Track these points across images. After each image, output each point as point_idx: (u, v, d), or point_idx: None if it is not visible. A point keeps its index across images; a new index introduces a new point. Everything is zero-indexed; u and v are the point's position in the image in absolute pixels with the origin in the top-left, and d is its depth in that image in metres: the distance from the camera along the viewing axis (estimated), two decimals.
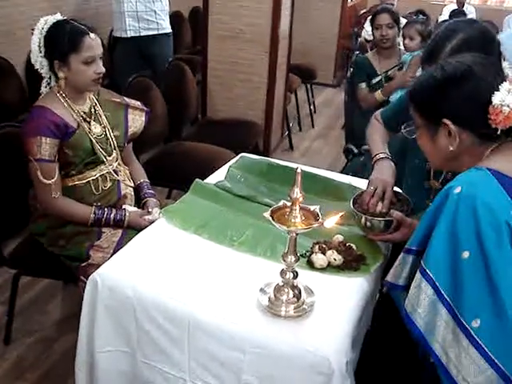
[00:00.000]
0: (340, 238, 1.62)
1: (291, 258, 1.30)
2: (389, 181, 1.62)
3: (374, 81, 3.12)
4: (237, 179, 2.04)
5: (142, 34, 3.72)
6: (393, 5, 5.21)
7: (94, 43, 1.82)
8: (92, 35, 1.81)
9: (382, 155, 1.70)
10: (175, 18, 5.20)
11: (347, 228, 1.69)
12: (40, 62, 1.85)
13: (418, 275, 1.16)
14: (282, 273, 1.33)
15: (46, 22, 1.83)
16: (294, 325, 1.31)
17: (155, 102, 3.03)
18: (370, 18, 3.26)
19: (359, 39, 5.26)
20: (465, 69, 1.18)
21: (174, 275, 1.47)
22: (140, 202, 2.10)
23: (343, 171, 2.70)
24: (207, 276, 1.48)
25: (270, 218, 1.25)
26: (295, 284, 1.35)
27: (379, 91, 3.06)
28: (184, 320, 1.35)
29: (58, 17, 1.86)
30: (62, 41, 1.78)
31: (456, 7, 6.21)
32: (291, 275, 1.33)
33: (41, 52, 1.82)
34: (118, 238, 1.91)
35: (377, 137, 1.82)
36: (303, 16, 5.67)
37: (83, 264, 1.85)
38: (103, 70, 1.86)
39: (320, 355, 1.22)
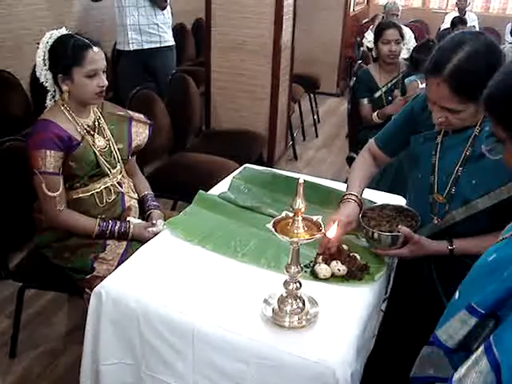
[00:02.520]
0: (344, 247, 1.61)
1: (294, 269, 1.30)
2: (341, 219, 1.58)
3: (376, 95, 3.13)
4: (240, 190, 2.05)
5: (144, 47, 3.75)
6: (397, 15, 5.23)
7: (97, 57, 1.84)
8: (95, 49, 1.83)
9: (348, 197, 1.69)
10: (179, 30, 5.25)
11: (350, 237, 1.69)
12: (45, 75, 1.87)
13: (480, 351, 0.94)
14: (286, 284, 1.33)
15: (50, 36, 1.86)
16: (298, 335, 1.31)
17: (159, 114, 3.05)
18: (374, 30, 3.25)
19: (361, 48, 5.28)
20: None
21: (178, 287, 1.47)
22: (144, 214, 2.11)
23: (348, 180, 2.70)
24: (211, 287, 1.48)
25: (273, 229, 1.26)
26: (299, 295, 1.35)
27: (375, 115, 3.09)
28: (188, 332, 1.35)
29: (63, 31, 1.89)
30: (66, 54, 1.81)
31: (457, 15, 6.22)
32: (295, 286, 1.33)
33: (45, 65, 1.85)
34: (123, 250, 1.92)
35: (356, 175, 1.78)
36: (306, 26, 5.72)
37: (88, 276, 1.86)
38: (106, 83, 1.88)
39: (324, 366, 1.22)
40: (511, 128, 1.05)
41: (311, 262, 1.58)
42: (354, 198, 1.69)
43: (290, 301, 1.34)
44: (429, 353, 1.14)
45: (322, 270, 1.52)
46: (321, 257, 1.57)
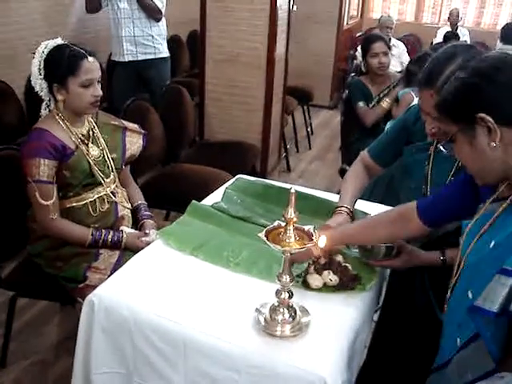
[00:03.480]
0: (337, 258, 1.62)
1: (286, 278, 1.31)
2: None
3: (370, 105, 3.16)
4: (233, 200, 2.06)
5: (139, 59, 3.77)
6: (391, 28, 5.29)
7: (92, 67, 1.85)
8: (90, 59, 1.85)
9: (340, 209, 1.73)
10: (173, 41, 5.27)
11: (342, 247, 1.70)
12: (40, 85, 1.88)
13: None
14: (278, 293, 1.34)
15: (46, 45, 1.87)
16: (289, 345, 1.31)
17: (153, 125, 3.06)
18: (361, 45, 3.29)
19: (355, 61, 5.34)
20: (498, 60, 1.10)
21: (170, 296, 1.47)
22: (137, 223, 2.12)
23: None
24: (203, 296, 1.48)
25: (265, 239, 1.27)
26: (290, 304, 1.36)
27: (386, 99, 3.09)
28: (179, 340, 1.35)
29: (59, 41, 1.90)
30: (61, 64, 1.82)
31: (449, 29, 6.31)
32: (286, 295, 1.34)
33: (40, 75, 1.86)
34: (116, 260, 1.92)
35: (348, 187, 1.82)
36: (300, 39, 5.76)
37: (80, 285, 1.86)
38: (101, 93, 1.89)
39: (316, 375, 1.22)
40: (459, 121, 1.13)
41: (303, 271, 1.59)
42: (345, 209, 1.72)
43: (281, 310, 1.35)
44: (438, 379, 1.18)
45: (314, 279, 1.53)
46: (312, 267, 1.58)
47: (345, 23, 6.42)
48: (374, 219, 1.64)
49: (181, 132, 3.38)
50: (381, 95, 3.17)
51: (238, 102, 3.73)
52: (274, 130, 3.86)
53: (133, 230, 2.04)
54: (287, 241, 1.26)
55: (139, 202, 2.19)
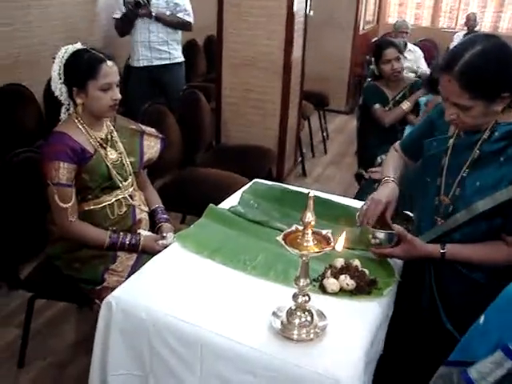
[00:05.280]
0: (357, 262, 1.62)
1: (303, 282, 1.31)
2: (381, 199, 1.68)
3: (386, 107, 3.14)
4: (250, 205, 2.06)
5: (154, 64, 3.82)
6: (407, 33, 5.26)
7: (110, 70, 1.87)
8: (109, 63, 1.87)
9: (386, 179, 1.77)
10: (190, 46, 5.32)
11: (359, 252, 1.70)
12: (59, 89, 1.90)
13: None
14: (295, 296, 1.34)
15: (66, 50, 1.90)
16: (306, 348, 1.31)
17: (170, 129, 3.09)
18: (373, 52, 3.26)
19: (371, 67, 5.32)
20: None
21: (187, 298, 1.48)
22: (154, 226, 2.13)
23: (356, 197, 2.71)
24: (220, 299, 1.49)
25: (283, 242, 1.27)
26: (307, 308, 1.36)
27: (407, 101, 3.07)
28: (196, 343, 1.36)
29: (78, 46, 1.93)
30: (81, 68, 1.85)
31: (467, 34, 6.26)
32: (303, 299, 1.34)
33: (60, 79, 1.88)
34: (133, 262, 1.94)
35: (389, 163, 1.87)
36: (316, 43, 5.76)
37: (98, 287, 1.88)
38: (119, 96, 1.91)
39: (333, 379, 1.22)
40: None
41: (320, 275, 1.58)
42: (391, 179, 1.76)
43: (298, 313, 1.35)
44: (449, 374, 1.15)
45: (331, 284, 1.52)
46: (329, 271, 1.58)
47: (361, 28, 6.41)
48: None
49: (197, 136, 3.40)
50: (396, 98, 3.14)
51: (254, 106, 3.74)
52: (290, 134, 3.86)
53: (150, 233, 2.05)
54: (305, 244, 1.27)
55: (156, 205, 2.20)
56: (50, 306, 2.60)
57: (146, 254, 1.95)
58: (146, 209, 2.15)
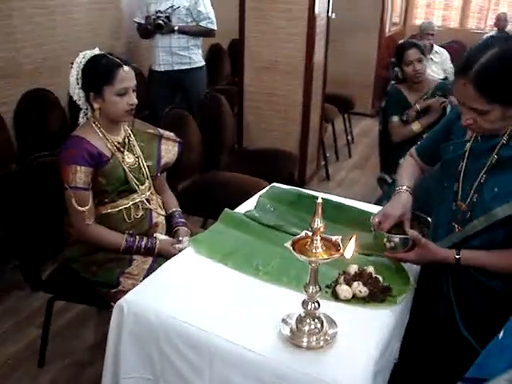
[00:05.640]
0: (371, 268, 1.59)
1: (313, 289, 1.29)
2: (393, 214, 1.64)
3: (406, 115, 3.08)
4: (266, 209, 2.05)
5: (175, 68, 3.86)
6: (433, 35, 5.18)
7: (127, 76, 1.89)
8: (126, 68, 1.88)
9: (400, 189, 1.72)
10: (215, 49, 5.36)
11: (374, 258, 1.67)
12: (77, 94, 1.93)
13: None
14: (304, 303, 1.33)
15: (84, 56, 1.92)
16: (314, 356, 1.30)
17: (191, 133, 3.10)
18: (395, 53, 3.22)
19: (395, 69, 5.25)
20: None
21: (198, 303, 1.48)
22: (171, 230, 2.14)
23: (377, 202, 2.67)
24: (230, 305, 1.48)
25: (291, 248, 1.25)
26: (317, 315, 1.34)
27: (417, 122, 3.02)
28: (205, 348, 1.36)
29: (96, 51, 1.95)
30: (97, 73, 1.87)
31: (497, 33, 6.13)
32: (313, 306, 1.32)
33: (78, 84, 1.91)
34: (148, 266, 1.94)
35: (404, 172, 1.83)
36: (341, 46, 5.73)
37: (113, 290, 1.89)
38: (135, 101, 1.93)
39: None
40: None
41: (333, 282, 1.56)
42: (404, 188, 1.72)
43: (308, 321, 1.33)
44: None
45: (343, 290, 1.50)
46: (342, 277, 1.55)
47: (387, 30, 6.33)
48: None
49: (219, 139, 3.41)
50: (423, 98, 3.08)
51: (276, 109, 3.73)
52: (312, 138, 3.84)
53: (166, 237, 2.06)
54: (314, 251, 1.25)
55: (174, 208, 2.21)
56: (70, 308, 2.64)
57: (161, 257, 1.96)
58: (163, 212, 2.16)
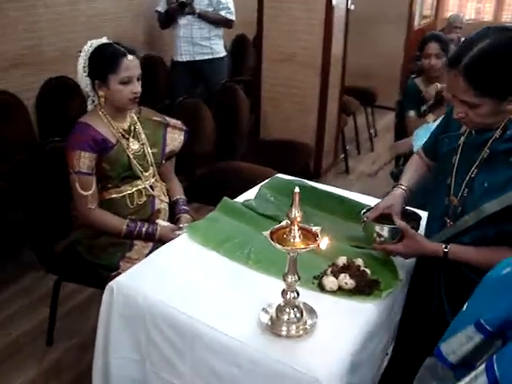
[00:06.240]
0: (360, 261, 1.60)
1: (291, 278, 1.31)
2: (380, 205, 1.68)
3: (423, 108, 3.04)
4: (267, 199, 2.07)
5: (196, 59, 3.90)
6: (461, 28, 5.06)
7: (131, 64, 1.93)
8: (130, 57, 1.92)
9: (396, 186, 1.75)
10: (240, 41, 5.37)
11: (366, 251, 1.67)
12: (84, 81, 1.99)
13: (481, 369, 0.92)
14: (283, 293, 1.34)
15: (91, 44, 1.98)
16: (291, 345, 1.31)
17: (205, 122, 3.14)
18: (418, 44, 3.17)
19: (419, 62, 5.16)
20: None
21: (184, 288, 1.51)
22: (174, 217, 2.17)
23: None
24: (216, 291, 1.51)
25: (269, 237, 1.27)
26: (296, 304, 1.35)
27: (430, 114, 2.98)
28: (187, 331, 1.39)
29: (103, 40, 2.00)
30: (102, 62, 1.91)
31: None
32: (292, 295, 1.33)
33: (85, 72, 1.96)
34: (148, 251, 1.99)
35: (406, 170, 1.83)
36: (366, 38, 5.66)
37: (113, 273, 1.94)
38: (139, 89, 1.96)
39: (313, 377, 1.21)
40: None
41: (321, 273, 1.57)
42: (401, 187, 1.74)
43: (287, 310, 1.35)
44: (435, 365, 1.12)
45: (329, 282, 1.51)
46: (330, 269, 1.56)
47: (416, 23, 6.21)
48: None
49: (234, 130, 3.43)
50: (430, 102, 3.03)
51: (293, 101, 3.73)
52: (329, 130, 3.82)
53: (167, 223, 2.10)
54: (292, 240, 1.26)
55: (178, 196, 2.25)
56: (80, 290, 2.72)
57: (162, 243, 2.00)
58: (166, 199, 2.20)
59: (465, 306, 1.09)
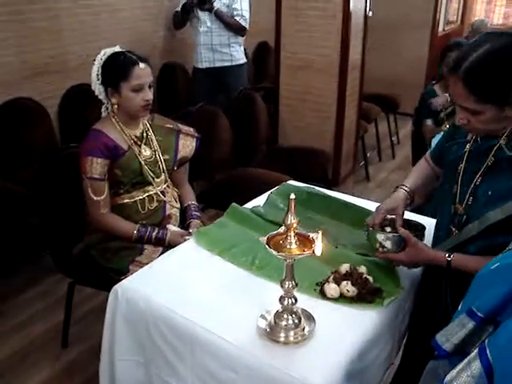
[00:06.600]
0: (363, 269, 1.59)
1: (289, 284, 1.31)
2: (383, 207, 1.67)
3: (440, 116, 3.01)
4: (276, 205, 2.08)
5: (216, 65, 3.94)
6: None
7: (142, 72, 1.97)
8: (141, 65, 1.96)
9: (400, 187, 1.73)
10: (262, 48, 5.41)
11: (369, 259, 1.67)
12: (98, 89, 2.04)
13: (474, 354, 0.92)
14: (281, 299, 1.35)
15: (105, 53, 2.03)
16: (289, 351, 1.32)
17: (221, 129, 3.17)
18: (441, 51, 3.13)
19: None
20: None
21: (187, 293, 1.53)
22: (185, 222, 2.20)
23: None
24: (218, 297, 1.52)
25: (265, 244, 1.28)
26: (294, 310, 1.36)
27: (446, 123, 2.95)
28: (187, 335, 1.41)
29: (117, 48, 2.05)
30: (115, 70, 1.96)
31: None
32: (290, 301, 1.34)
33: (98, 80, 2.01)
34: (158, 255, 2.01)
35: (412, 174, 1.82)
36: (389, 45, 5.64)
37: (122, 277, 1.97)
38: (151, 97, 2.00)
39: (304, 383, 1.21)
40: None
41: (324, 280, 1.57)
42: (404, 188, 1.73)
43: (285, 316, 1.35)
44: (435, 367, 1.11)
45: (331, 289, 1.51)
46: (332, 276, 1.56)
47: (440, 29, 6.15)
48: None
49: (251, 136, 3.46)
50: (453, 107, 2.99)
51: (311, 108, 3.73)
52: (347, 137, 3.80)
53: (177, 229, 2.13)
54: (288, 247, 1.27)
55: (189, 202, 2.27)
56: (96, 294, 2.76)
57: (171, 248, 2.03)
58: (178, 205, 2.23)
59: (460, 305, 1.10)
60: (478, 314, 0.98)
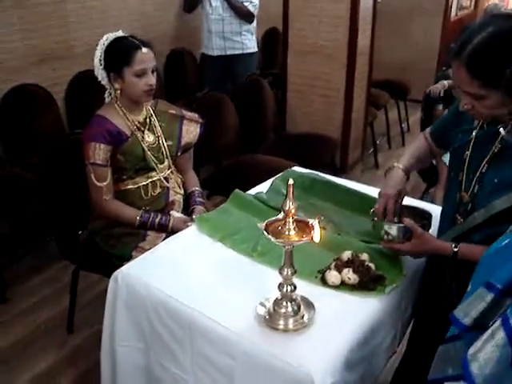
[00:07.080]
0: (365, 256, 1.57)
1: (287, 271, 1.30)
2: (390, 193, 1.62)
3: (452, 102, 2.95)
4: (280, 192, 2.05)
5: (227, 53, 3.91)
6: None
7: (145, 57, 1.94)
8: (144, 49, 1.94)
9: (394, 165, 1.69)
10: (271, 34, 5.34)
11: (372, 246, 1.64)
12: (101, 74, 2.02)
13: (497, 324, 0.93)
14: (280, 286, 1.33)
15: (107, 38, 2.01)
16: (287, 339, 1.30)
17: (228, 115, 3.14)
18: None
19: None
20: None
21: (186, 279, 1.52)
22: (188, 209, 2.19)
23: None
24: (219, 283, 1.51)
25: (264, 230, 1.26)
26: (294, 297, 1.34)
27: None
28: (186, 321, 1.40)
29: (119, 33, 2.03)
30: (117, 55, 1.94)
31: None
32: (289, 288, 1.32)
33: (101, 65, 2.00)
34: (160, 241, 2.00)
35: (408, 151, 1.77)
36: (401, 31, 5.55)
37: (125, 263, 1.97)
38: (154, 81, 1.98)
39: (304, 372, 1.20)
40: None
41: (326, 267, 1.55)
42: (399, 166, 1.68)
43: (284, 303, 1.34)
44: (447, 350, 1.13)
45: (332, 276, 1.49)
46: (334, 263, 1.54)
47: (453, 14, 6.03)
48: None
49: (258, 123, 3.43)
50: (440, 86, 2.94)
51: (319, 94, 3.68)
52: (355, 124, 3.75)
53: (180, 215, 2.12)
54: (286, 233, 1.25)
55: (193, 188, 2.26)
56: (102, 280, 2.77)
57: (174, 234, 2.02)
58: (181, 191, 2.22)
59: (469, 287, 1.11)
60: (497, 285, 0.99)
